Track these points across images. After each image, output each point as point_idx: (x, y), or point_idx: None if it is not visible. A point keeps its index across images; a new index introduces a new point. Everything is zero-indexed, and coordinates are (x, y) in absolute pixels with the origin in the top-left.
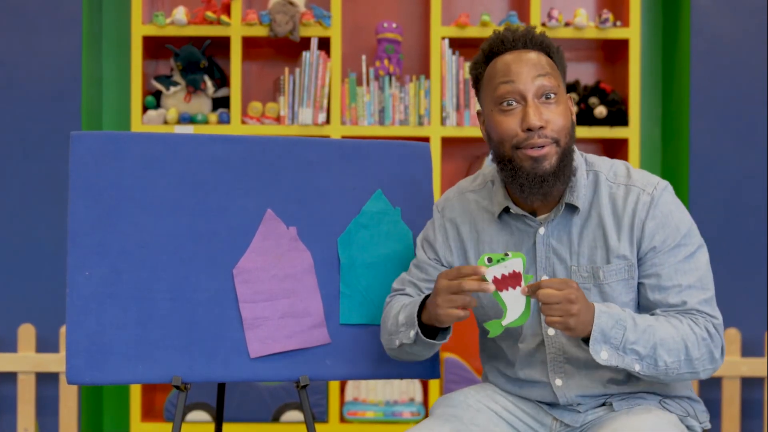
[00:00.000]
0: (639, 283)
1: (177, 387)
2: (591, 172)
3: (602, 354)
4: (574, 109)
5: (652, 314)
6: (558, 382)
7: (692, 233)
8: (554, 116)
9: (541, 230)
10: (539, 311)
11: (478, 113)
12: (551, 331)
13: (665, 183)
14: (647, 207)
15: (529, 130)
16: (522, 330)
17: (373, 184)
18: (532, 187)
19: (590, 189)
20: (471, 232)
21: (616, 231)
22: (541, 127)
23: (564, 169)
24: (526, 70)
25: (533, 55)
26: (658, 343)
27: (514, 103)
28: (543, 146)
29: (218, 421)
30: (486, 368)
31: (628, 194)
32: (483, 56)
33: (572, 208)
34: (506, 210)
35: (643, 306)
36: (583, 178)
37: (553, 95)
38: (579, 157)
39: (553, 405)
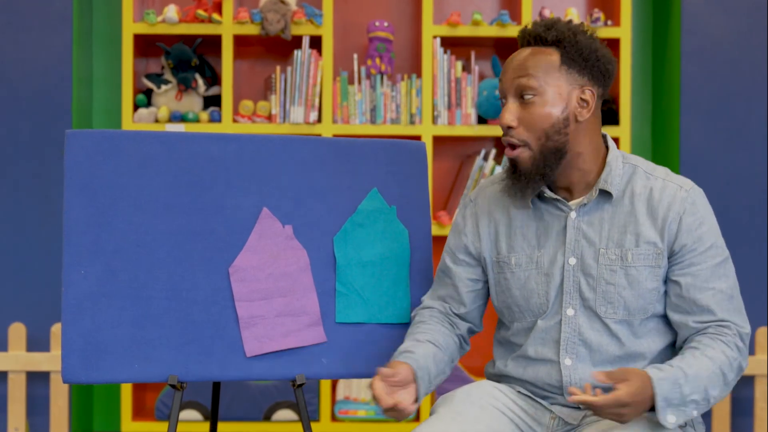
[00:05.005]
0: (673, 281)
1: (173, 386)
2: (627, 165)
3: (669, 418)
4: (579, 102)
5: (689, 344)
6: (567, 361)
7: (721, 240)
8: (528, 117)
9: (573, 214)
10: (562, 290)
11: None
12: (570, 312)
13: (700, 188)
14: (685, 202)
15: (506, 127)
16: (548, 307)
17: (368, 182)
18: (516, 179)
19: (625, 178)
20: (504, 217)
21: (648, 218)
22: (510, 127)
23: (544, 169)
24: (510, 70)
25: (534, 53)
26: (707, 385)
27: (504, 100)
28: (515, 147)
29: (213, 420)
30: (497, 352)
31: (665, 188)
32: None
33: (606, 195)
34: (539, 196)
35: (674, 304)
36: (619, 168)
37: (530, 95)
38: (614, 147)
39: (554, 399)
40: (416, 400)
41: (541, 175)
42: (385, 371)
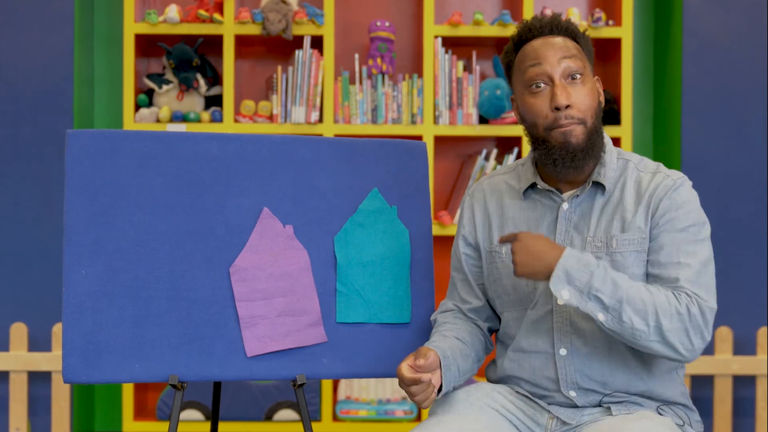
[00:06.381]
0: (647, 260)
1: (174, 386)
2: (621, 160)
3: (563, 293)
4: (602, 90)
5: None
6: (562, 351)
7: (702, 227)
8: (580, 96)
9: (565, 206)
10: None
11: (512, 99)
12: (561, 300)
13: (690, 181)
14: (667, 189)
15: (557, 109)
16: (535, 297)
17: (369, 182)
18: (564, 162)
19: (618, 173)
20: (497, 207)
21: (634, 205)
22: (568, 106)
23: (593, 146)
24: (553, 53)
25: (559, 40)
26: (624, 299)
27: (543, 85)
28: (570, 125)
29: (214, 420)
30: (497, 350)
31: (653, 178)
32: (512, 45)
33: (598, 187)
34: (533, 187)
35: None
36: (613, 162)
37: (579, 76)
38: (610, 143)
39: (552, 398)
40: (440, 388)
41: (590, 153)
42: (413, 355)
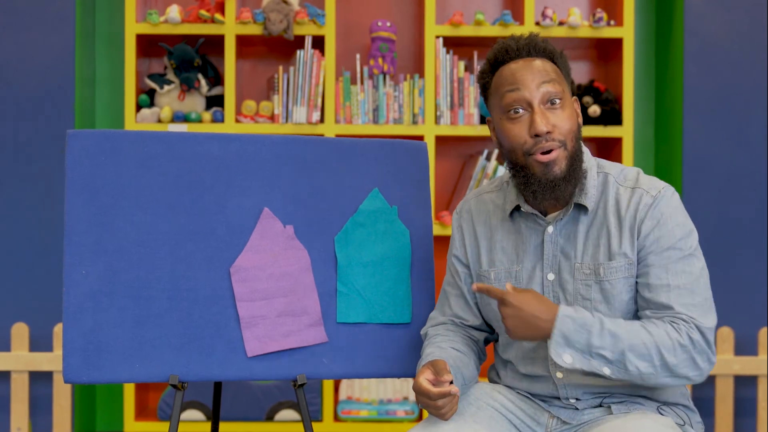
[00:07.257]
0: (636, 282)
1: (174, 386)
2: (601, 174)
3: (565, 357)
4: (580, 111)
5: (638, 318)
6: (559, 375)
7: (689, 239)
8: (560, 121)
9: (550, 229)
10: None
11: (488, 121)
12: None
13: (672, 189)
14: (647, 208)
15: (537, 135)
16: None
17: (369, 182)
18: (545, 192)
19: (599, 190)
20: (485, 230)
21: (617, 230)
22: (548, 132)
23: (574, 171)
24: (531, 78)
25: (538, 63)
26: (626, 349)
27: (521, 110)
28: (551, 150)
29: (215, 420)
30: (496, 360)
31: (632, 196)
32: (489, 66)
33: (581, 208)
34: (518, 209)
35: (638, 306)
36: (594, 179)
37: (558, 100)
38: (590, 159)
39: (551, 402)
40: None
41: (571, 180)
42: (428, 370)
